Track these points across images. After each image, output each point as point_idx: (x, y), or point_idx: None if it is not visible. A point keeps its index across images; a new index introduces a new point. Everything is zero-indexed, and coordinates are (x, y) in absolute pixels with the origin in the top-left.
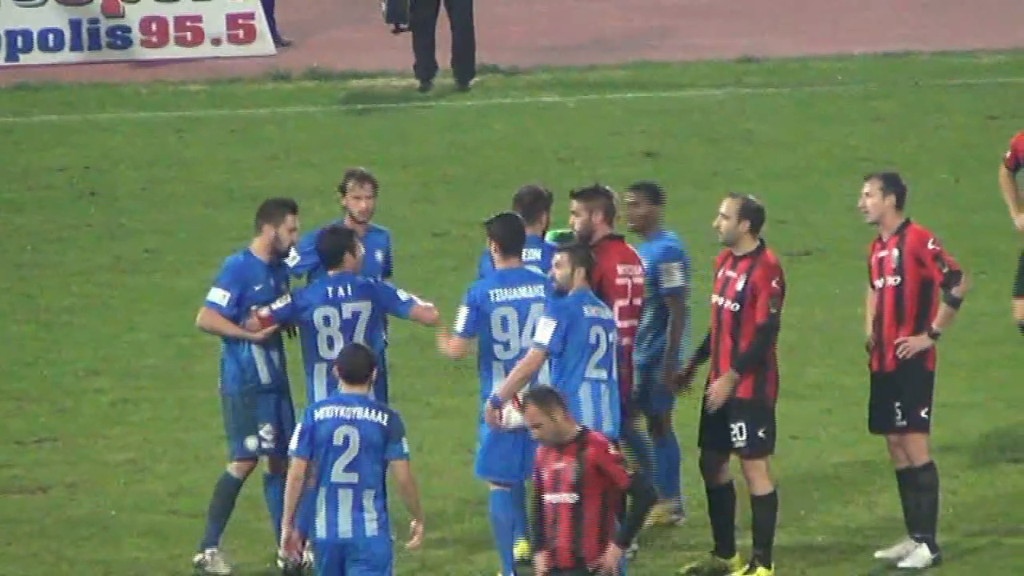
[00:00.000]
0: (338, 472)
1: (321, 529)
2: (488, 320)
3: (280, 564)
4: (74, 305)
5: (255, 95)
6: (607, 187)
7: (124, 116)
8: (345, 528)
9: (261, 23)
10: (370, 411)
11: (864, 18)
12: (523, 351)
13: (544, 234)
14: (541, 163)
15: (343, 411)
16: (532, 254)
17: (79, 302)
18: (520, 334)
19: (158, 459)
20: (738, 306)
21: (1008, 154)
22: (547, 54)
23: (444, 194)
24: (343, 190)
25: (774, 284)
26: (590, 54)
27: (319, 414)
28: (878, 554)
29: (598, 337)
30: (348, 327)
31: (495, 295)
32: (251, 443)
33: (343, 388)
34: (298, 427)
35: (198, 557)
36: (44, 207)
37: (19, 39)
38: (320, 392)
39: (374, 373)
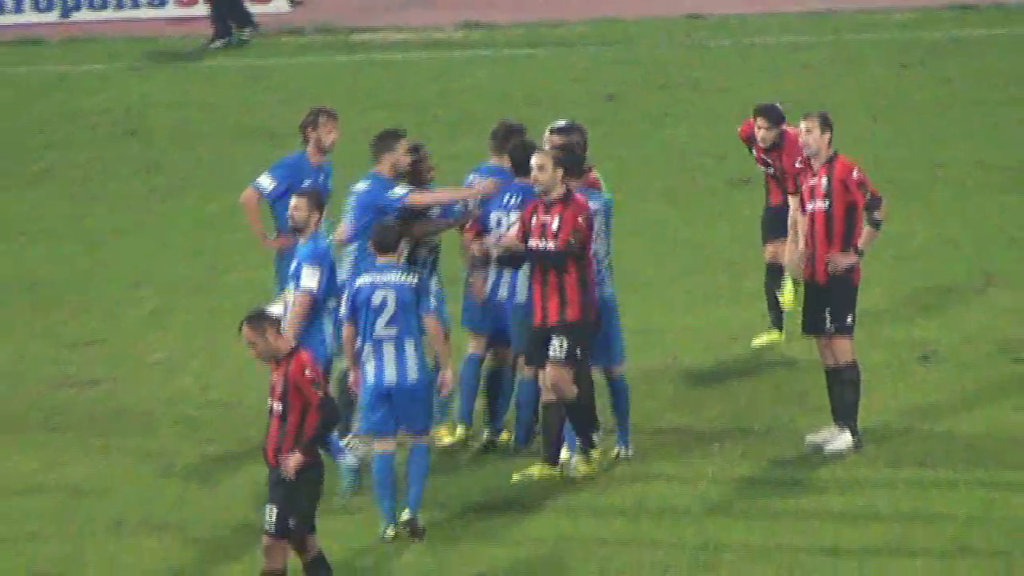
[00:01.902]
0: (379, 329)
1: (370, 377)
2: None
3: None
4: (117, 228)
5: (272, 47)
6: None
7: (159, 66)
8: (390, 375)
9: None
10: (402, 275)
11: None
12: None
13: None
14: (513, 106)
15: (379, 278)
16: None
17: (122, 225)
18: None
19: (191, 359)
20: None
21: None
22: (520, 11)
23: (434, 133)
24: (313, 125)
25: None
26: (558, 11)
27: (358, 283)
28: (808, 438)
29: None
30: None
31: None
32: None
33: (378, 259)
34: (343, 297)
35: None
36: (91, 144)
37: None
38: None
39: (402, 244)
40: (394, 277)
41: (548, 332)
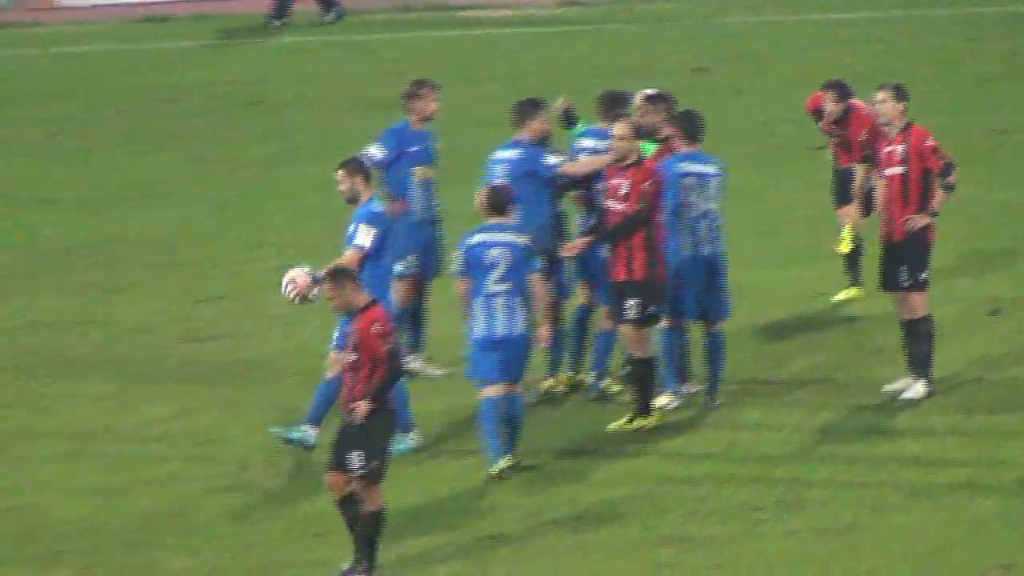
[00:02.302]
0: (491, 284)
1: (480, 330)
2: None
3: None
4: (240, 192)
5: (384, 23)
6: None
7: (278, 41)
8: (501, 327)
9: None
10: (513, 234)
11: None
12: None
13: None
14: (609, 78)
15: (492, 236)
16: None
17: (244, 189)
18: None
19: (309, 314)
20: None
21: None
22: None
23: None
24: (415, 96)
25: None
26: None
27: (472, 240)
28: (885, 387)
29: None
30: None
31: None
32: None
33: (490, 219)
34: (456, 252)
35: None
36: (215, 113)
37: None
38: None
39: (512, 205)
40: (507, 236)
41: (621, 288)
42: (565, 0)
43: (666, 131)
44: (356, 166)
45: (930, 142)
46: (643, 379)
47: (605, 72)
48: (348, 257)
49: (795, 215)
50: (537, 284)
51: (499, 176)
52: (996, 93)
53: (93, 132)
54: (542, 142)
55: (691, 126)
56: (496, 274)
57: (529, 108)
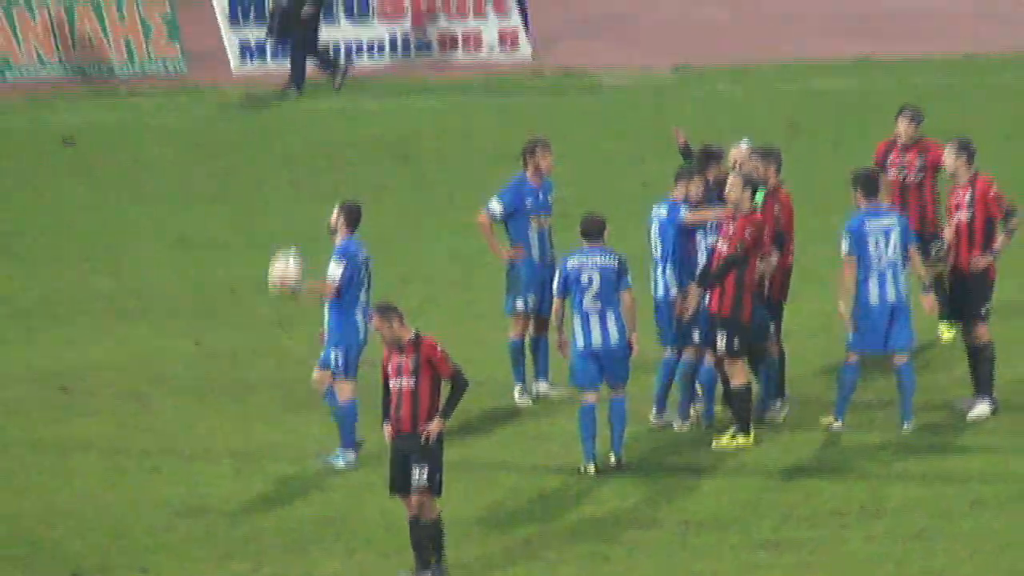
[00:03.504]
0: (587, 302)
1: (580, 341)
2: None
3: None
4: (391, 233)
5: (518, 86)
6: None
7: (426, 102)
8: (596, 340)
9: (523, 35)
10: (606, 257)
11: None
12: None
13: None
14: (717, 133)
15: (586, 259)
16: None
17: (394, 231)
18: None
19: (451, 341)
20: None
21: (874, 158)
22: (720, 58)
23: (652, 155)
24: (531, 153)
25: (992, 192)
26: (750, 56)
27: (570, 264)
28: (953, 404)
29: None
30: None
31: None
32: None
33: (585, 244)
34: (556, 275)
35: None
36: (369, 165)
37: (354, 47)
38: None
39: (605, 231)
40: (599, 260)
41: (712, 320)
42: (677, 67)
43: (772, 181)
44: (346, 210)
45: (993, 191)
46: (740, 402)
47: (714, 128)
48: (323, 287)
49: None
50: (628, 299)
51: (653, 232)
52: None
53: (261, 182)
54: (687, 201)
55: (868, 184)
56: (591, 293)
57: (684, 173)
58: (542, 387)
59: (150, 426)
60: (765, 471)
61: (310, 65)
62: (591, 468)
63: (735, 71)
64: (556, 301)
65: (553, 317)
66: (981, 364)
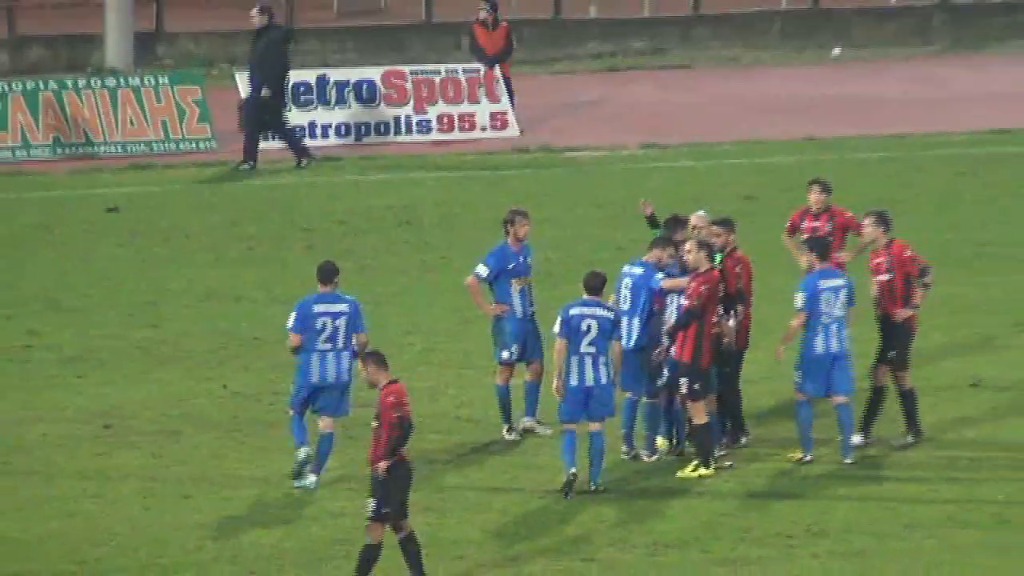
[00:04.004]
0: (584, 346)
1: (574, 380)
2: None
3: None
4: (394, 292)
5: (507, 161)
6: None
7: (426, 175)
8: (589, 379)
9: (512, 117)
10: (603, 309)
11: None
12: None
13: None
14: (681, 204)
15: (586, 310)
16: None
17: (398, 289)
18: None
19: (448, 387)
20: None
21: (788, 224)
22: (684, 135)
23: (622, 223)
24: (511, 222)
25: (907, 253)
26: (712, 135)
27: (572, 312)
28: (892, 441)
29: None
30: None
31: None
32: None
33: (585, 295)
34: (557, 320)
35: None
36: (376, 231)
37: (363, 128)
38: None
39: (604, 286)
40: (599, 311)
41: (675, 365)
42: (645, 143)
43: (730, 245)
44: (324, 269)
45: (908, 252)
46: (701, 439)
47: (678, 199)
48: (290, 338)
49: None
50: (616, 347)
51: (625, 286)
52: (978, 214)
53: (281, 245)
54: (659, 267)
55: (822, 249)
56: (588, 339)
57: (660, 241)
58: (527, 423)
59: (183, 458)
60: (724, 496)
61: (280, 143)
62: (573, 470)
63: (697, 148)
64: (559, 342)
65: (556, 356)
66: (906, 402)
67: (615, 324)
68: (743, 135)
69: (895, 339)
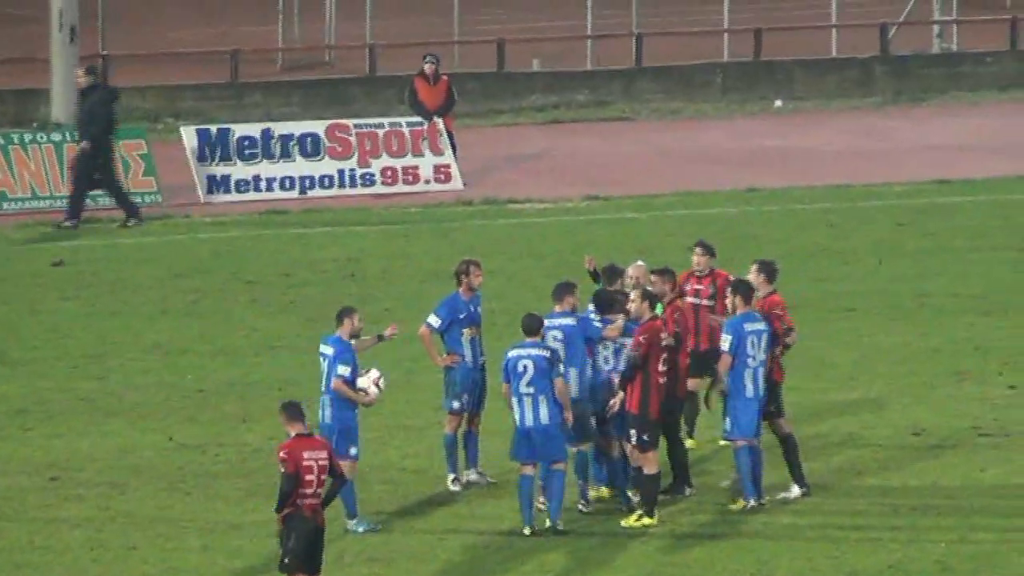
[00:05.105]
0: (523, 387)
1: (517, 421)
2: None
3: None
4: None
5: (450, 213)
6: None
7: (370, 228)
8: (529, 420)
9: (455, 170)
10: (538, 349)
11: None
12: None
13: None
14: (623, 255)
15: (523, 351)
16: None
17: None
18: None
19: (391, 438)
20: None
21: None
22: (627, 187)
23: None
24: (465, 273)
25: (776, 311)
26: (654, 187)
27: (510, 355)
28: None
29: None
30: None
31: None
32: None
33: (525, 339)
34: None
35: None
36: (321, 283)
37: (307, 181)
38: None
39: (543, 329)
40: (534, 351)
41: (624, 416)
42: (588, 195)
43: (669, 294)
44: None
45: (776, 311)
46: (648, 488)
47: (621, 250)
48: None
49: None
50: (559, 385)
51: (557, 339)
52: (918, 265)
53: (226, 298)
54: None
55: (746, 292)
56: (526, 379)
57: (562, 289)
58: (472, 476)
59: (129, 509)
60: (669, 546)
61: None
62: (527, 531)
63: (640, 200)
64: (504, 386)
65: (506, 400)
66: (789, 452)
67: (552, 363)
68: (686, 186)
69: (774, 392)
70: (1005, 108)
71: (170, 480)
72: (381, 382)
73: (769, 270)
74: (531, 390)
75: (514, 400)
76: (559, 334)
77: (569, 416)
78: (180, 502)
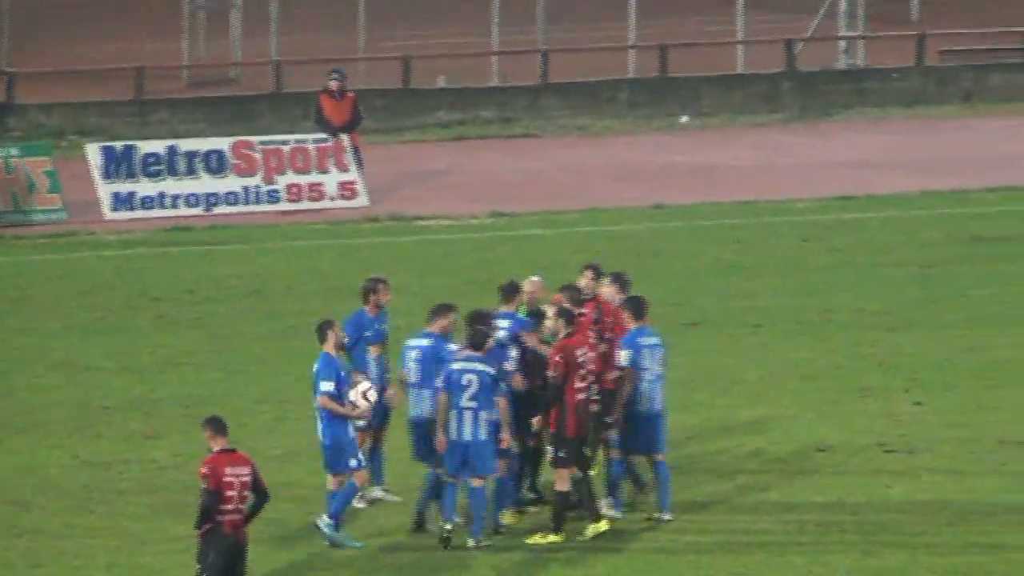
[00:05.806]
0: (464, 401)
1: (454, 434)
2: None
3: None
4: (247, 359)
5: (355, 230)
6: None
7: (275, 244)
8: (467, 435)
9: (361, 186)
10: (484, 364)
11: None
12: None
13: (516, 310)
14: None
15: (468, 364)
16: (503, 323)
17: (249, 358)
18: None
19: (299, 455)
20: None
21: None
22: (532, 204)
23: (471, 291)
24: (372, 290)
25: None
26: (561, 203)
27: (454, 366)
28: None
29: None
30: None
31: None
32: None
33: (470, 352)
34: (440, 375)
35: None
36: (227, 300)
37: (212, 197)
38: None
39: (489, 342)
40: (479, 366)
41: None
42: (494, 212)
43: (579, 310)
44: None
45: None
46: (558, 505)
47: (527, 267)
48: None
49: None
50: (502, 403)
51: (412, 359)
52: (824, 280)
53: (132, 315)
54: (447, 336)
55: (638, 308)
56: (468, 393)
57: (440, 310)
58: (377, 492)
59: (34, 527)
60: (577, 552)
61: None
62: (449, 526)
63: (545, 217)
64: (440, 397)
65: (439, 411)
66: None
67: (496, 381)
68: (592, 203)
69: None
70: (911, 124)
71: (76, 498)
72: (370, 394)
73: (622, 281)
74: (473, 404)
75: (452, 413)
76: (416, 354)
77: (506, 435)
78: (86, 520)
